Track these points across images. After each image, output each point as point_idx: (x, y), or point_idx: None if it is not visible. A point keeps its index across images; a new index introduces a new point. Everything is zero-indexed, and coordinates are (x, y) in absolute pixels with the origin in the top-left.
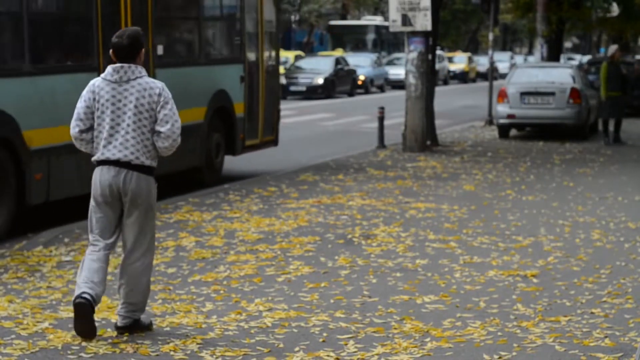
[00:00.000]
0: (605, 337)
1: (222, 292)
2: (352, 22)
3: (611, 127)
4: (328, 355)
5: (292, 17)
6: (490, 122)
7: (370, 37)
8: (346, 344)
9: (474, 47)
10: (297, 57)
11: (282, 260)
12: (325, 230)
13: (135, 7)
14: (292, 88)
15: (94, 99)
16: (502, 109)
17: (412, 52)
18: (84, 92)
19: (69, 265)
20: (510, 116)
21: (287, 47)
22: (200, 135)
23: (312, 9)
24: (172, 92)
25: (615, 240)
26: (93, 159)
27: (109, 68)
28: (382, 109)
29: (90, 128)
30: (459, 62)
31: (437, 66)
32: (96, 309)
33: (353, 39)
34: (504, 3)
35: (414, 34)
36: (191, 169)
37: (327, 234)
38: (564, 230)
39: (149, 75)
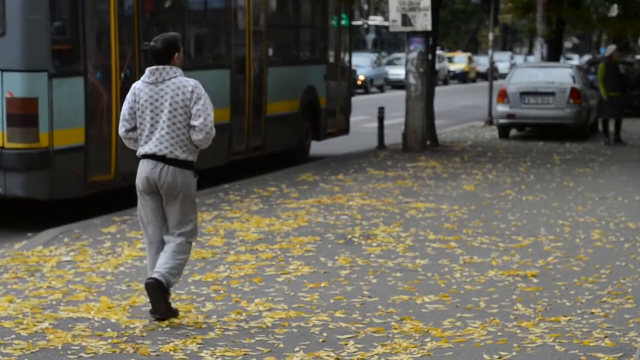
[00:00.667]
0: (605, 337)
1: (222, 292)
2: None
3: (611, 127)
4: (328, 355)
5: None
6: (490, 122)
7: (370, 37)
8: (346, 344)
9: (474, 47)
10: None
11: (282, 260)
12: (325, 230)
13: (255, 19)
14: None
15: (135, 100)
16: (502, 109)
17: (412, 52)
18: (127, 95)
19: (69, 265)
20: (510, 116)
21: None
22: (296, 122)
23: None
24: (277, 86)
25: (615, 240)
26: (137, 154)
27: (147, 70)
28: (382, 109)
29: (135, 127)
30: (459, 62)
31: (437, 66)
32: (169, 285)
33: (353, 39)
34: (504, 3)
35: (414, 34)
36: (288, 150)
37: (327, 234)
38: (564, 230)
39: (262, 72)
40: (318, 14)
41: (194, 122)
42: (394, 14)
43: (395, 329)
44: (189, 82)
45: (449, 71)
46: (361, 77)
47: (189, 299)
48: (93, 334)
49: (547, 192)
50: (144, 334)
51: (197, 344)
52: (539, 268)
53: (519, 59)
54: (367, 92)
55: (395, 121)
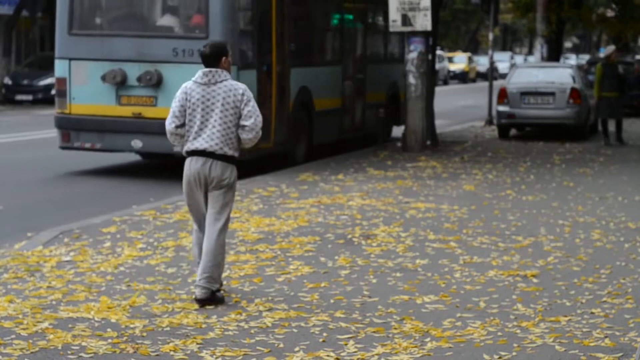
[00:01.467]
0: (605, 337)
1: (222, 292)
2: None
3: (612, 128)
4: (328, 355)
5: None
6: (490, 122)
7: None
8: (346, 344)
9: (474, 47)
10: None
11: (282, 260)
12: (325, 230)
13: (359, 26)
14: None
15: (186, 99)
16: (502, 109)
17: (412, 52)
18: (178, 94)
19: (69, 266)
20: (510, 116)
21: None
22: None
23: None
24: (371, 80)
25: (615, 240)
26: (184, 149)
27: (200, 72)
28: (382, 109)
29: (184, 124)
30: (459, 62)
31: (437, 66)
32: (215, 288)
33: None
34: (504, 3)
35: (414, 34)
36: (375, 132)
37: (327, 234)
38: (564, 230)
39: (364, 69)
40: None
41: (245, 122)
42: (394, 14)
43: (395, 329)
44: (240, 86)
45: (449, 71)
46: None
47: (189, 299)
48: (93, 334)
49: (547, 192)
50: (144, 334)
51: (197, 344)
52: (539, 268)
53: (519, 59)
54: None
55: None
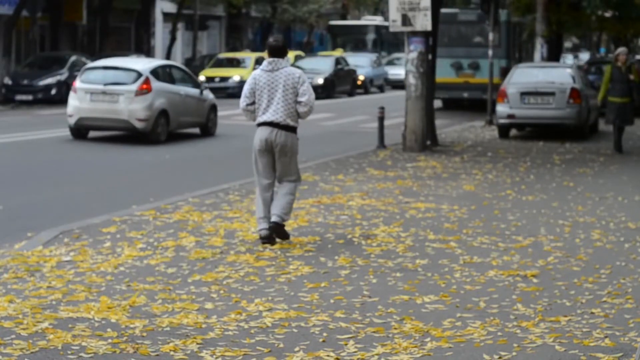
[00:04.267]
0: (605, 337)
1: (222, 292)
2: (352, 22)
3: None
4: (328, 355)
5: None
6: (490, 122)
7: (370, 37)
8: (346, 344)
9: None
10: (297, 57)
11: (282, 261)
12: (325, 230)
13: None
14: None
15: (255, 83)
16: (502, 109)
17: (412, 52)
18: (249, 79)
19: (69, 265)
20: (510, 116)
21: (288, 47)
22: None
23: (312, 9)
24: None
25: (615, 240)
26: (256, 122)
27: (265, 62)
28: (382, 109)
29: (253, 103)
30: None
31: None
32: (285, 224)
33: (353, 39)
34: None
35: (414, 33)
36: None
37: (327, 234)
38: (564, 230)
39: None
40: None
41: (301, 99)
42: (394, 13)
43: (395, 329)
44: (296, 71)
45: None
46: (361, 77)
47: (189, 299)
48: (93, 334)
49: (547, 192)
50: (144, 334)
51: (197, 344)
52: (539, 268)
53: None
54: (367, 92)
55: (395, 121)
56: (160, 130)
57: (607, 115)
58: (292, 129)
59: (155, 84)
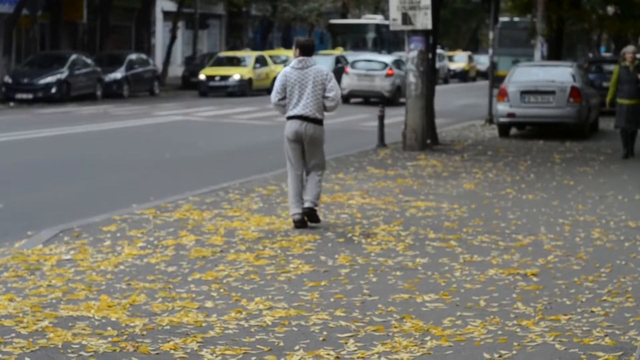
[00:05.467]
0: (606, 335)
1: (222, 290)
2: (353, 21)
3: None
4: (328, 354)
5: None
6: (490, 121)
7: (371, 35)
8: (346, 343)
9: (474, 45)
10: None
11: (282, 259)
12: (325, 229)
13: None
14: None
15: (286, 80)
16: (502, 107)
17: (412, 50)
18: (280, 76)
19: (69, 264)
20: (510, 115)
21: (288, 46)
22: None
23: (312, 7)
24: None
25: (615, 239)
26: (286, 115)
27: (295, 60)
28: (382, 107)
29: (284, 97)
30: (459, 60)
31: (438, 65)
32: (316, 208)
33: (353, 38)
34: (504, 2)
35: (415, 32)
36: None
37: (328, 233)
38: (564, 229)
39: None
40: None
41: (328, 94)
42: (395, 12)
43: (396, 327)
44: (324, 69)
45: (449, 70)
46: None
47: (189, 298)
48: (93, 332)
49: (547, 191)
50: (144, 333)
51: (197, 342)
52: (539, 267)
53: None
54: None
55: (396, 120)
56: (397, 97)
57: (617, 119)
58: (320, 122)
59: (395, 71)
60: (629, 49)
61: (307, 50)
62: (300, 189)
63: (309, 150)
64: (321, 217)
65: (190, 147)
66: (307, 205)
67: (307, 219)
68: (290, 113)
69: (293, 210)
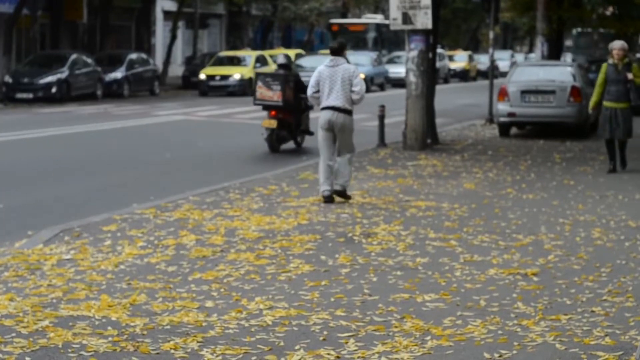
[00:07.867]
0: (606, 335)
1: (222, 290)
2: (353, 21)
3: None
4: (328, 354)
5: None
6: (490, 120)
7: (371, 35)
8: (347, 343)
9: (474, 45)
10: (298, 56)
11: (283, 259)
12: (325, 229)
13: None
14: None
15: (320, 76)
16: (502, 107)
17: (412, 50)
18: (315, 73)
19: (70, 264)
20: (510, 114)
21: (288, 46)
22: None
23: (313, 7)
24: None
25: (615, 238)
26: (320, 106)
27: (328, 59)
28: (382, 107)
29: (318, 91)
30: (459, 60)
31: (438, 64)
32: (346, 189)
33: (353, 37)
34: (504, 1)
35: (415, 32)
36: None
37: (328, 233)
38: (565, 229)
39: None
40: None
41: (354, 89)
42: (395, 12)
43: (396, 327)
44: (352, 67)
45: (449, 69)
46: (362, 76)
47: (190, 297)
48: (93, 332)
49: (547, 191)
50: (145, 332)
51: (198, 342)
52: (540, 266)
53: (519, 57)
54: (367, 90)
55: (396, 119)
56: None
57: (601, 128)
58: (349, 112)
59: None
60: (617, 45)
61: (337, 52)
62: (330, 173)
63: (339, 137)
64: (321, 217)
65: (191, 147)
66: (337, 187)
67: (337, 194)
68: (324, 104)
69: (322, 187)
